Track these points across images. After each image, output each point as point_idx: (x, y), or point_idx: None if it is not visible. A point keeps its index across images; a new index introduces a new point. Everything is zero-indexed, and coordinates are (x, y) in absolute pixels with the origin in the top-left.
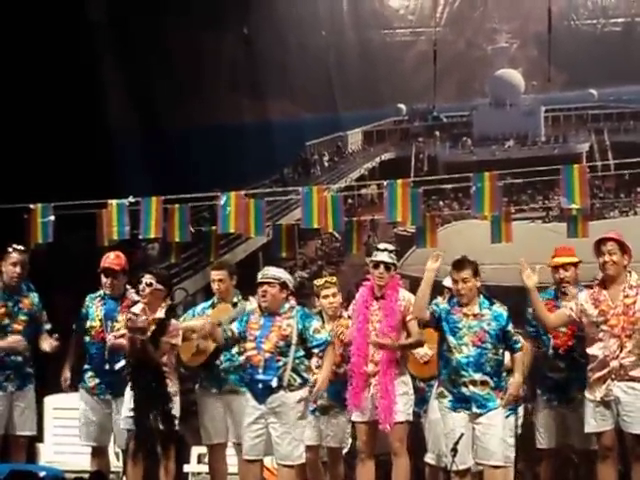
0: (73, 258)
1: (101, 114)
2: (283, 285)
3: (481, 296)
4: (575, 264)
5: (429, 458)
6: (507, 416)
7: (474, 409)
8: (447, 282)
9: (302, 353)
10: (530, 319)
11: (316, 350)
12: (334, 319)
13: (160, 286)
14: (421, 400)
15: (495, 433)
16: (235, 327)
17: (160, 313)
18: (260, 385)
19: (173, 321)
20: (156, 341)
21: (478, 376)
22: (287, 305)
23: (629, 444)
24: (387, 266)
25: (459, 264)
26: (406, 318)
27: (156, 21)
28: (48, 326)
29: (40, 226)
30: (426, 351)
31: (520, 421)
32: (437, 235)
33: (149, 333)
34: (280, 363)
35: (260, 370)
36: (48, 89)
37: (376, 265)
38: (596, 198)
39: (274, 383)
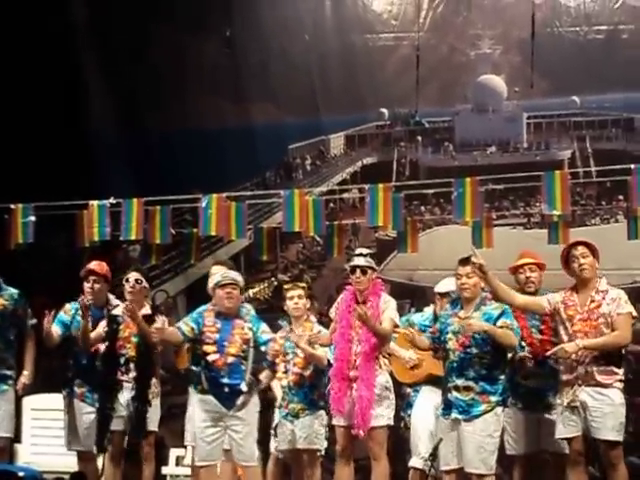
0: (53, 259)
1: (83, 115)
2: (241, 289)
3: (479, 298)
4: (541, 266)
5: (414, 462)
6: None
7: (454, 414)
8: (439, 288)
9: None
10: None
11: (263, 348)
12: (298, 321)
13: (146, 284)
14: (407, 405)
15: (475, 440)
16: (192, 324)
17: (146, 309)
18: (227, 389)
19: (160, 317)
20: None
21: (460, 382)
22: (244, 309)
23: (601, 450)
24: (363, 270)
25: (464, 260)
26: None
27: (138, 23)
28: (33, 321)
29: (21, 226)
30: (410, 355)
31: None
32: (418, 240)
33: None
34: (243, 367)
35: (224, 374)
36: (29, 90)
37: (352, 270)
38: (577, 205)
39: (244, 387)
